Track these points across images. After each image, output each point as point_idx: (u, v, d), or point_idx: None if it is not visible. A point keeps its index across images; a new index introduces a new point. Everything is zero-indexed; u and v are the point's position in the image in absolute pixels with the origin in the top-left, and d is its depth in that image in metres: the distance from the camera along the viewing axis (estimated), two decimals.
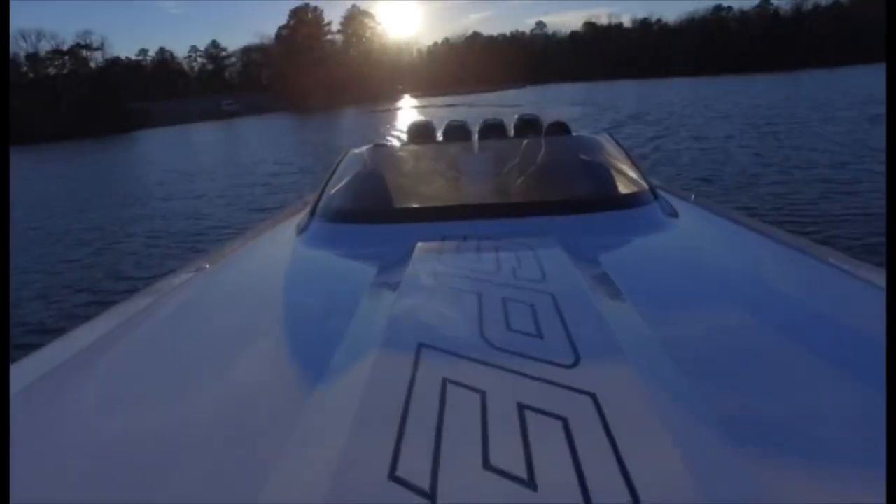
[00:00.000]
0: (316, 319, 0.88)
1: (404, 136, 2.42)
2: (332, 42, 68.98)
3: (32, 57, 51.91)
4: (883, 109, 11.80)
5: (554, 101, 26.69)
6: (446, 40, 78.26)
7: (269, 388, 0.67)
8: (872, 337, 0.73)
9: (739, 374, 0.66)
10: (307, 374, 0.68)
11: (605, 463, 0.45)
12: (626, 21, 78.39)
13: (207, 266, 1.29)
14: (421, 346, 0.66)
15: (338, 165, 1.78)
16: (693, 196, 1.79)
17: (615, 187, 1.57)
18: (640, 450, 0.46)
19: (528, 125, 2.38)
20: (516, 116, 2.47)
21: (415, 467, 0.45)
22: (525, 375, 0.59)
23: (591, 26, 77.98)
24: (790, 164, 7.34)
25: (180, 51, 72.61)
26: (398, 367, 0.61)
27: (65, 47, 53.66)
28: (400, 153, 2.11)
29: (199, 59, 72.40)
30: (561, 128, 2.22)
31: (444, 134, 2.41)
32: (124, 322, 0.97)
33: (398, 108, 35.78)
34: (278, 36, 67.06)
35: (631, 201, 1.38)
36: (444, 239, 1.14)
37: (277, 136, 23.22)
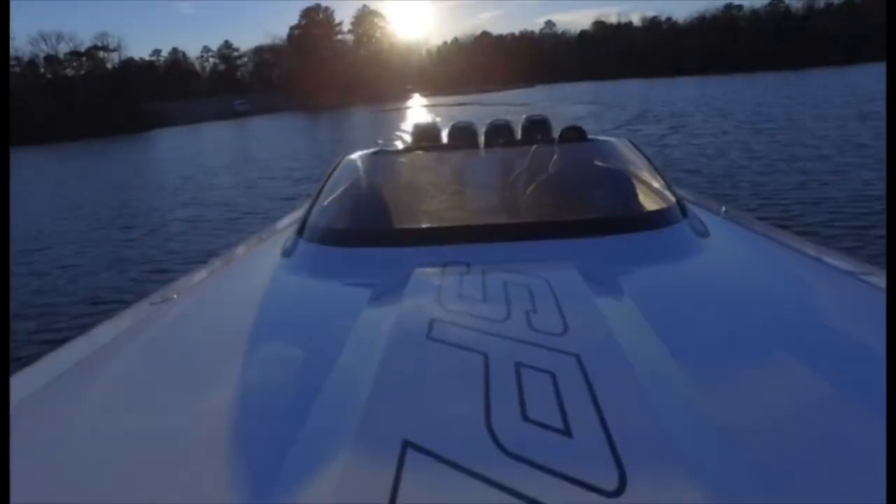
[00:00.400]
0: (282, 379, 0.74)
1: (410, 137, 2.35)
2: (343, 42, 70.03)
3: (51, 58, 53.30)
4: (874, 107, 12.30)
5: (562, 100, 27.17)
6: (455, 40, 78.88)
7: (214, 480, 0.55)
8: None
9: (802, 450, 0.54)
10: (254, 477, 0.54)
11: None
12: (636, 20, 78.53)
13: (175, 296, 1.17)
14: (406, 446, 0.51)
15: (330, 174, 1.66)
16: (723, 209, 1.65)
17: (640, 203, 1.45)
18: None
19: (536, 126, 2.30)
20: (524, 117, 2.38)
21: None
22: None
23: (600, 25, 78.18)
24: (775, 157, 7.89)
25: (192, 51, 73.84)
26: (371, 485, 0.46)
27: (82, 49, 55.11)
28: (400, 162, 1.95)
29: (212, 60, 73.70)
30: (576, 133, 2.01)
31: (450, 135, 2.32)
32: (86, 358, 0.90)
33: (407, 108, 36.54)
34: (290, 36, 68.17)
35: (658, 220, 1.24)
36: (444, 267, 1.01)
37: (292, 135, 23.98)
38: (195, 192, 9.81)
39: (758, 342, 0.78)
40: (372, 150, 1.93)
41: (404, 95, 52.98)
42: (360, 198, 1.57)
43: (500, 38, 78.62)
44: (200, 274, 1.37)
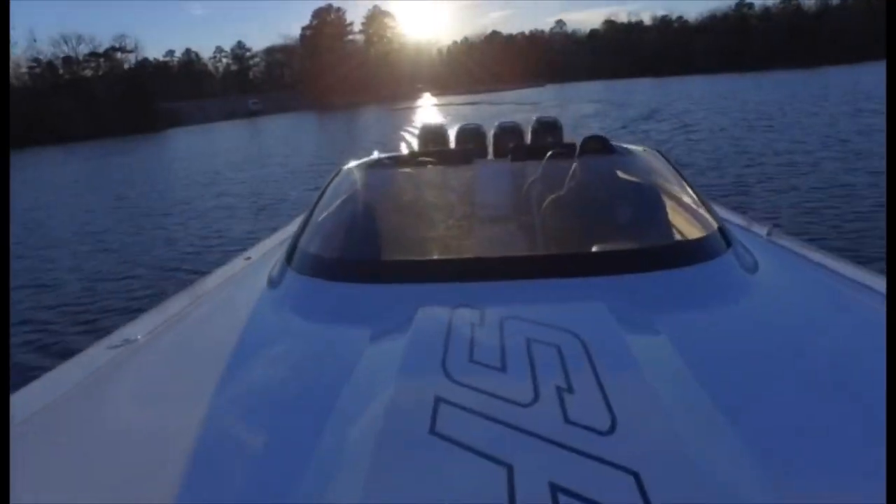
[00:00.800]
0: (251, 454, 0.64)
1: (416, 139, 2.27)
2: (354, 42, 70.94)
3: (70, 59, 54.89)
4: (870, 104, 12.80)
5: (571, 100, 27.71)
6: (465, 39, 79.49)
7: None
8: None
9: None
10: None
11: None
12: (647, 19, 78.66)
13: (149, 331, 1.07)
14: None
15: (325, 190, 1.53)
16: (766, 231, 1.47)
17: (678, 230, 1.32)
18: None
19: (546, 129, 2.18)
20: (534, 119, 2.26)
21: None
22: None
23: (610, 24, 78.42)
24: (762, 151, 8.54)
25: (205, 52, 75.14)
26: None
27: (101, 50, 56.64)
28: (401, 178, 1.76)
29: (224, 60, 75.03)
30: (600, 144, 1.72)
31: (457, 138, 2.22)
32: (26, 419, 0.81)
33: (417, 107, 37.18)
34: (302, 36, 69.30)
35: (701, 252, 1.11)
36: (453, 312, 0.87)
37: (307, 133, 24.88)
38: (225, 186, 10.67)
39: (848, 425, 0.64)
40: (372, 158, 1.82)
41: (414, 94, 53.68)
42: (356, 222, 1.45)
43: (510, 37, 79.13)
44: (176, 305, 1.23)
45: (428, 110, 33.61)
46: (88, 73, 55.98)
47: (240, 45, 74.71)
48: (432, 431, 0.56)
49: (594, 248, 1.19)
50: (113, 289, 4.85)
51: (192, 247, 6.10)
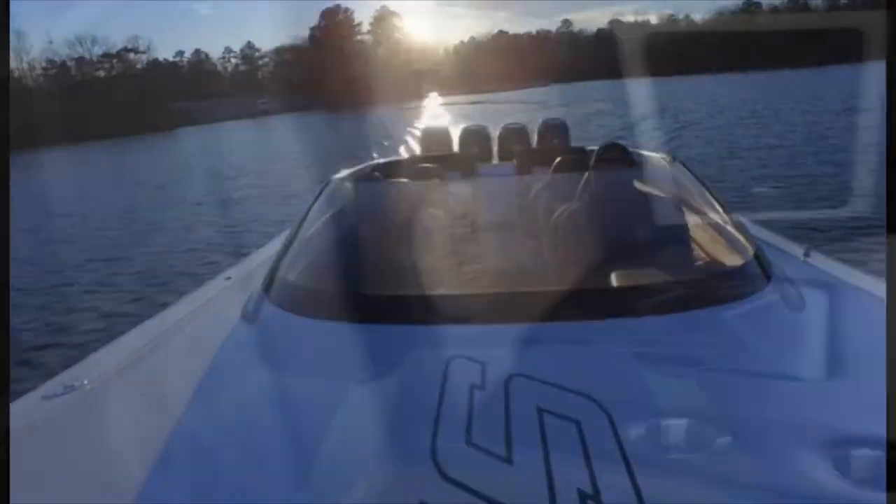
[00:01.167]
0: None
1: (419, 141, 2.13)
2: (362, 42, 71.76)
3: (81, 60, 56.09)
4: (860, 102, 13.34)
5: (576, 99, 28.19)
6: (472, 39, 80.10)
7: None
8: None
9: None
10: None
11: None
12: (653, 18, 78.88)
13: (100, 374, 0.93)
14: None
15: (311, 207, 1.42)
16: (802, 252, 1.30)
17: (712, 257, 1.20)
18: None
19: (553, 131, 2.08)
20: (540, 120, 2.17)
21: None
22: None
23: (617, 24, 78.83)
24: (745, 145, 9.23)
25: (213, 52, 76.09)
26: None
27: (114, 51, 57.86)
28: (395, 194, 1.59)
29: (233, 60, 76.03)
30: (618, 153, 1.54)
31: (461, 140, 2.10)
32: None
33: (424, 107, 37.74)
34: (311, 37, 70.24)
35: (739, 286, 0.97)
36: (447, 368, 0.74)
37: (318, 134, 25.56)
38: (252, 178, 11.48)
39: None
40: (366, 165, 1.66)
41: (421, 94, 54.34)
42: (342, 248, 1.32)
43: (517, 36, 79.66)
44: (139, 339, 1.10)
45: (434, 110, 34.33)
46: (102, 73, 57.21)
47: (249, 45, 75.78)
48: None
49: (615, 283, 1.05)
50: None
51: (231, 225, 6.98)
